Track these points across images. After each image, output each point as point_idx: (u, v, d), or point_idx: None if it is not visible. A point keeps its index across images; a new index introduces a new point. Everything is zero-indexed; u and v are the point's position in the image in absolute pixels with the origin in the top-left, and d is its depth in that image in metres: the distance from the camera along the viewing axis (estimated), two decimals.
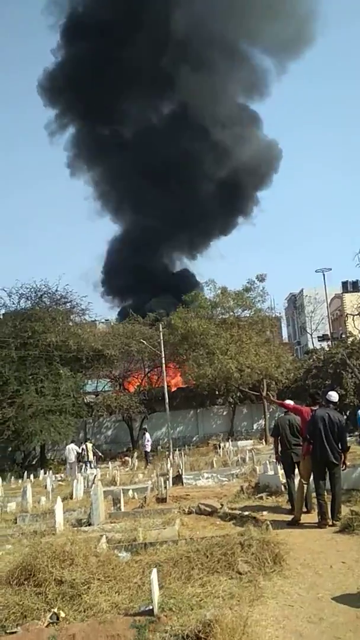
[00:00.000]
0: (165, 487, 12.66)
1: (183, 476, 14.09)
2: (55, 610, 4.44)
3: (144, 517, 8.59)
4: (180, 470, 15.25)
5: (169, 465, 17.74)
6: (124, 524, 7.98)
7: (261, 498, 9.45)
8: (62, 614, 4.44)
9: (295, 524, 7.58)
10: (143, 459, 22.05)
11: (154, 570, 4.42)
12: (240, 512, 8.52)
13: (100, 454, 21.28)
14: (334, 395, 7.83)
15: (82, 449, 19.91)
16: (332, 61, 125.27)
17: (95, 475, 15.85)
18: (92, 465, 19.65)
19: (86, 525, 8.28)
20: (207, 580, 4.86)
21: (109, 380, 32.47)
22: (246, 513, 8.44)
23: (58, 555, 5.17)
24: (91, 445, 20.09)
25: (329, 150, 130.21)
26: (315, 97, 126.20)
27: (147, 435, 22.83)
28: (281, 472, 9.46)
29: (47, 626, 4.27)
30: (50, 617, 4.36)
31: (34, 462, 27.98)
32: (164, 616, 4.11)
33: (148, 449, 22.29)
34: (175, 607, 4.30)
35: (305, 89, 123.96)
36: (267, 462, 11.04)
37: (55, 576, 4.88)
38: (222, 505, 8.94)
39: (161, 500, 10.48)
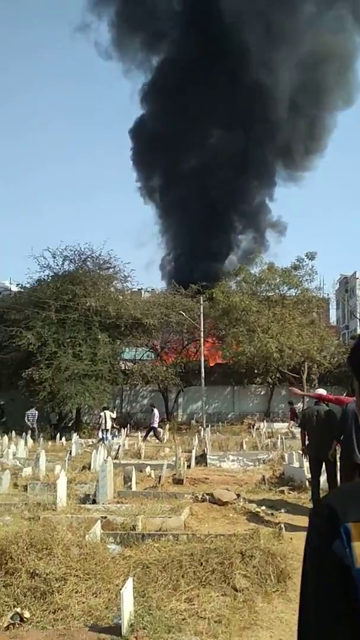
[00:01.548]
0: (187, 467, 12.16)
1: (208, 456, 13.55)
2: (19, 610, 3.95)
3: (153, 500, 8.08)
4: (206, 449, 14.70)
5: (196, 441, 17.23)
6: (130, 506, 7.49)
7: (282, 492, 8.73)
8: (27, 614, 3.94)
9: None
10: (151, 435, 20.76)
11: (129, 582, 3.82)
12: (256, 506, 7.85)
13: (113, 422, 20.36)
14: None
15: (100, 417, 19.50)
16: None
17: (119, 446, 15.60)
18: (111, 435, 19.32)
19: (91, 503, 7.86)
20: (196, 595, 4.23)
21: (147, 349, 32.18)
22: (262, 508, 7.77)
23: (36, 543, 4.67)
24: (110, 413, 19.57)
25: None
26: None
27: (155, 411, 21.35)
28: (307, 465, 8.69)
29: (6, 628, 3.78)
30: (12, 617, 3.87)
31: (70, 424, 28.31)
32: (133, 638, 3.52)
33: (155, 424, 20.97)
34: (151, 627, 3.71)
35: None
36: (294, 452, 10.25)
37: (27, 567, 4.39)
38: (238, 495, 8.29)
39: (178, 481, 9.96)
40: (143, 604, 4.06)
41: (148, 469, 10.78)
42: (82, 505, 7.55)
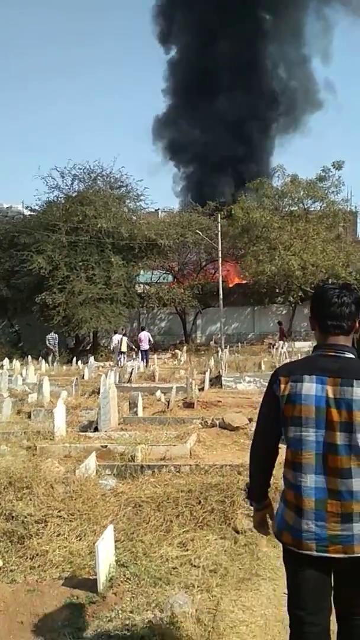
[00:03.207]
0: (201, 390, 11.72)
1: (223, 377, 13.09)
2: None
3: (159, 426, 7.64)
4: (221, 370, 14.25)
5: (212, 362, 16.82)
6: (134, 434, 7.05)
7: None
8: (0, 563, 3.49)
9: None
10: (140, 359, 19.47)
11: (108, 531, 3.28)
12: None
13: (131, 346, 19.67)
14: None
15: (117, 341, 19.14)
16: None
17: (132, 369, 15.29)
18: (124, 358, 19.04)
19: (93, 430, 7.46)
20: (191, 538, 3.72)
21: (164, 271, 31.32)
22: None
23: (15, 482, 4.18)
24: (126, 338, 19.11)
25: None
26: None
27: (143, 334, 20.07)
28: None
29: None
30: None
31: (87, 348, 28.34)
32: (111, 595, 3.03)
33: (144, 347, 19.64)
34: (134, 579, 3.20)
35: None
36: None
37: (4, 509, 3.92)
38: (250, 420, 7.76)
39: (188, 405, 9.51)
40: (131, 549, 3.56)
41: (158, 392, 10.32)
42: (83, 434, 7.14)
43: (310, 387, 1.83)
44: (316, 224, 27.12)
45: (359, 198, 50.53)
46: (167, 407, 8.89)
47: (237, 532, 3.83)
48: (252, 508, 2.25)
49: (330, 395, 1.80)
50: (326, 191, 27.88)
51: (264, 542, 3.74)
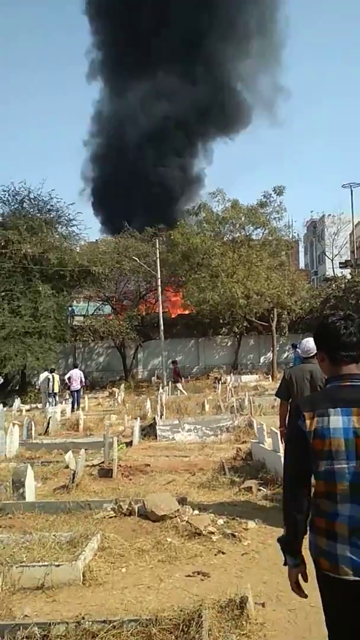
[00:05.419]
0: (128, 445, 9.39)
1: (158, 427, 10.81)
2: None
3: (52, 517, 5.24)
4: (156, 417, 11.98)
5: (148, 405, 14.51)
6: (8, 537, 4.63)
7: (249, 489, 5.99)
8: None
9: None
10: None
11: None
12: (210, 519, 5.09)
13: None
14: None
15: (48, 380, 16.62)
16: None
17: (51, 416, 12.70)
18: (56, 400, 16.49)
19: None
20: None
21: (100, 302, 28.96)
22: (220, 522, 5.03)
23: None
24: (58, 375, 16.56)
25: None
26: None
27: (75, 371, 17.68)
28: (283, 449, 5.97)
29: None
30: None
31: (17, 388, 25.28)
32: None
33: (75, 387, 17.21)
34: None
35: None
36: (264, 425, 7.45)
37: None
38: (182, 502, 5.51)
39: (105, 473, 7.15)
40: None
41: (68, 455, 7.79)
42: None
43: (336, 420, 1.85)
44: (259, 251, 25.80)
45: (300, 225, 50.15)
46: (72, 480, 6.48)
47: None
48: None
49: (357, 425, 1.83)
50: (268, 217, 26.76)
51: None
